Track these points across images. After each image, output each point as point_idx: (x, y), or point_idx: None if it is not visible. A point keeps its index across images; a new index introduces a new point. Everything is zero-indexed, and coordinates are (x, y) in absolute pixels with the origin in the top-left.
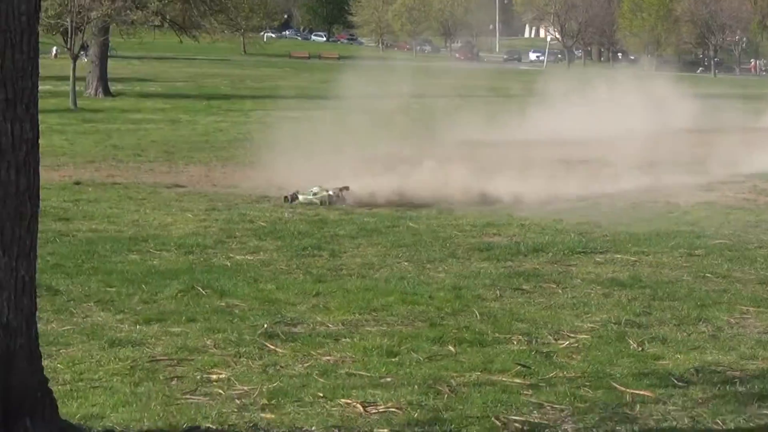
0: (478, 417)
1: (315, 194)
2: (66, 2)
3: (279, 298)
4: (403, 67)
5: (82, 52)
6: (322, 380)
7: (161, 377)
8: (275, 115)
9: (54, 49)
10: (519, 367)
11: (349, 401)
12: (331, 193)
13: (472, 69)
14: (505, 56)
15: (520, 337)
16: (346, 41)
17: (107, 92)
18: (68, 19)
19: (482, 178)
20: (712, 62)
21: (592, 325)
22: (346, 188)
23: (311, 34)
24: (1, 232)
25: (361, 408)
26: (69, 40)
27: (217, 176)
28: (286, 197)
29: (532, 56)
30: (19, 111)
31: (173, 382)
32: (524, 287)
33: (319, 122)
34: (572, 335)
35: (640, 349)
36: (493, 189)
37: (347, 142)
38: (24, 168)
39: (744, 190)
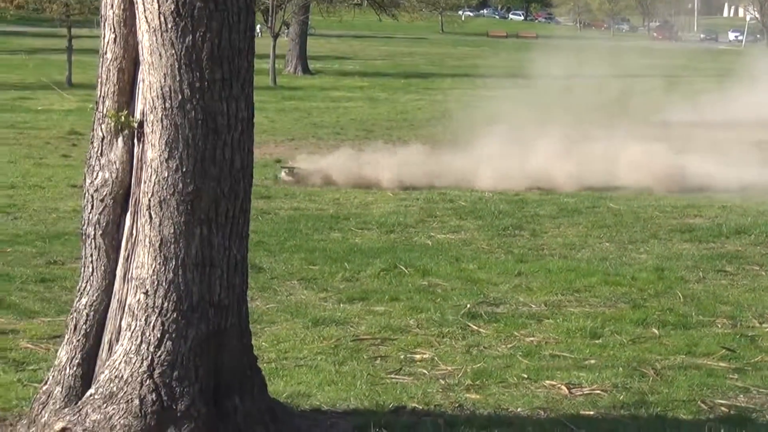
0: (683, 401)
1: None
2: None
3: (481, 278)
4: (599, 46)
5: (283, 30)
6: (525, 361)
7: (365, 356)
8: (473, 94)
9: (258, 26)
10: (724, 350)
11: (553, 383)
12: (282, 174)
13: (670, 49)
14: (702, 35)
15: (724, 320)
16: (543, 20)
17: (306, 70)
18: None
19: (681, 159)
20: None
21: None
22: (293, 168)
23: (509, 13)
24: (216, 211)
25: (566, 390)
26: (270, 18)
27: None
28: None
29: (731, 36)
30: (235, 90)
31: (377, 362)
32: (727, 269)
33: (519, 101)
34: None
35: None
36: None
37: (547, 122)
38: (239, 147)
39: None
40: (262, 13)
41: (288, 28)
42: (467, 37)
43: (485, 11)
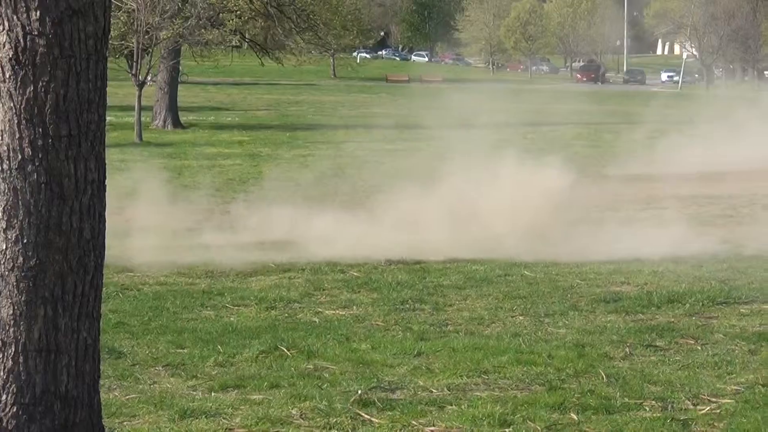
0: None
1: None
2: (131, 21)
3: (375, 360)
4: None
5: (149, 78)
6: None
7: None
8: (370, 148)
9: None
10: None
11: None
12: None
13: (595, 92)
14: (625, 76)
15: (653, 402)
16: (450, 62)
17: (177, 123)
18: (134, 40)
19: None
20: None
21: (736, 388)
22: None
23: (411, 54)
24: (62, 288)
25: None
26: (134, 64)
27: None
28: None
29: (664, 76)
30: (84, 148)
31: None
32: (657, 344)
33: (419, 155)
34: (713, 399)
35: None
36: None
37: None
38: (89, 214)
39: None
40: (126, 58)
41: (155, 76)
42: (363, 83)
43: (384, 52)
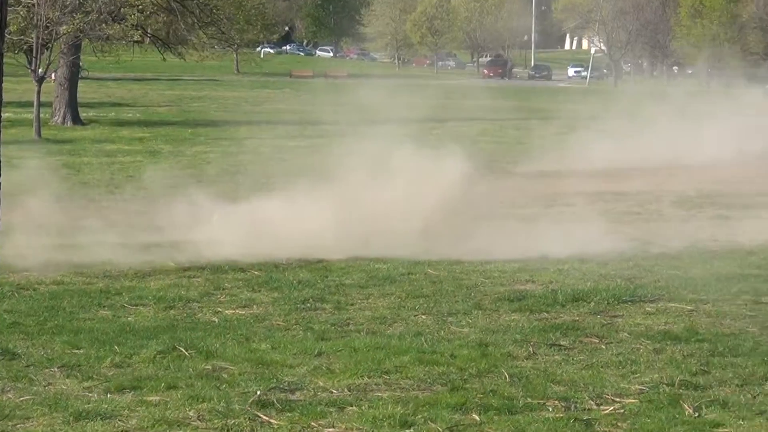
0: None
1: None
2: (31, 16)
3: (275, 360)
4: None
5: (49, 74)
6: None
7: None
8: (273, 144)
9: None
10: None
11: None
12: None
13: (502, 87)
14: (531, 72)
15: (557, 402)
16: (356, 57)
17: (77, 120)
18: (33, 35)
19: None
20: None
21: (640, 387)
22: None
23: (316, 49)
24: None
25: None
26: (33, 59)
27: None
28: None
29: (571, 72)
30: None
31: None
32: (561, 343)
33: (323, 152)
34: (617, 399)
35: (696, 414)
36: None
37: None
38: None
39: None
40: (25, 54)
41: (56, 71)
42: (267, 78)
43: (288, 48)
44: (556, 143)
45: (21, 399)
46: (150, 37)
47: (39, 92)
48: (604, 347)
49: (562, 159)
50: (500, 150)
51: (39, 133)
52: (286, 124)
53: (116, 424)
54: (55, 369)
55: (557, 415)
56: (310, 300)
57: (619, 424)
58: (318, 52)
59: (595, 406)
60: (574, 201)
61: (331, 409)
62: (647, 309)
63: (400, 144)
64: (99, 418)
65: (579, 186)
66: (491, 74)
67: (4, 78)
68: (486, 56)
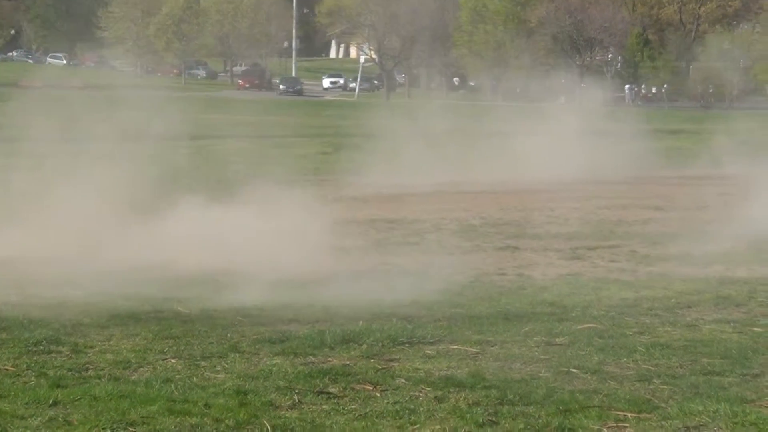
0: None
1: None
2: None
3: (4, 410)
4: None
5: None
6: None
7: None
8: None
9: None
10: None
11: None
12: None
13: (260, 101)
14: (281, 86)
15: None
16: (92, 65)
17: None
18: None
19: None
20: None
21: None
22: None
23: (47, 55)
24: None
25: None
26: None
27: None
28: None
29: (326, 83)
30: None
31: None
32: (331, 390)
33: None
34: None
35: None
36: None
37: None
38: None
39: (619, 257)
40: None
41: None
42: None
43: (15, 54)
44: (323, 162)
45: None
46: None
47: None
48: (378, 395)
49: (328, 182)
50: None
51: None
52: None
53: None
54: None
55: None
56: (44, 342)
57: None
58: (49, 59)
59: None
60: (343, 230)
61: None
62: (427, 352)
63: (143, 163)
64: None
65: (348, 213)
66: (247, 85)
67: None
68: (241, 65)
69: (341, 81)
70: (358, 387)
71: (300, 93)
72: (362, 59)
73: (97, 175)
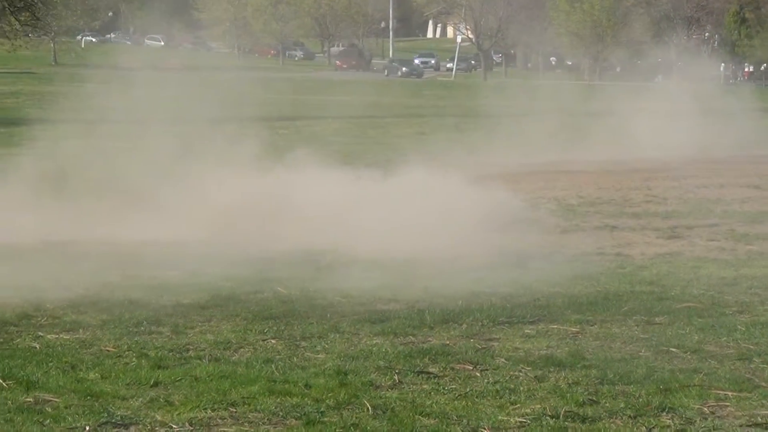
0: None
1: None
2: None
3: (105, 391)
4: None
5: None
6: None
7: None
8: (96, 146)
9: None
10: None
11: None
12: None
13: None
14: (403, 69)
15: None
16: (190, 46)
17: None
18: None
19: None
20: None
21: (521, 420)
22: None
23: (144, 37)
24: None
25: None
26: None
27: None
28: None
29: (417, 62)
30: None
31: None
32: (431, 370)
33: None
34: None
35: None
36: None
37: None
38: None
39: (718, 236)
40: None
41: None
42: (89, 70)
43: (113, 36)
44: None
45: None
46: None
47: None
48: (478, 375)
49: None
50: (358, 151)
51: None
52: (111, 123)
53: None
54: None
55: None
56: (144, 323)
57: None
58: (147, 41)
59: None
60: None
61: None
62: (526, 331)
63: (240, 145)
64: None
65: None
66: (344, 66)
67: None
68: (338, 46)
69: (432, 61)
70: (458, 367)
71: (420, 75)
72: (459, 39)
73: (229, 156)
